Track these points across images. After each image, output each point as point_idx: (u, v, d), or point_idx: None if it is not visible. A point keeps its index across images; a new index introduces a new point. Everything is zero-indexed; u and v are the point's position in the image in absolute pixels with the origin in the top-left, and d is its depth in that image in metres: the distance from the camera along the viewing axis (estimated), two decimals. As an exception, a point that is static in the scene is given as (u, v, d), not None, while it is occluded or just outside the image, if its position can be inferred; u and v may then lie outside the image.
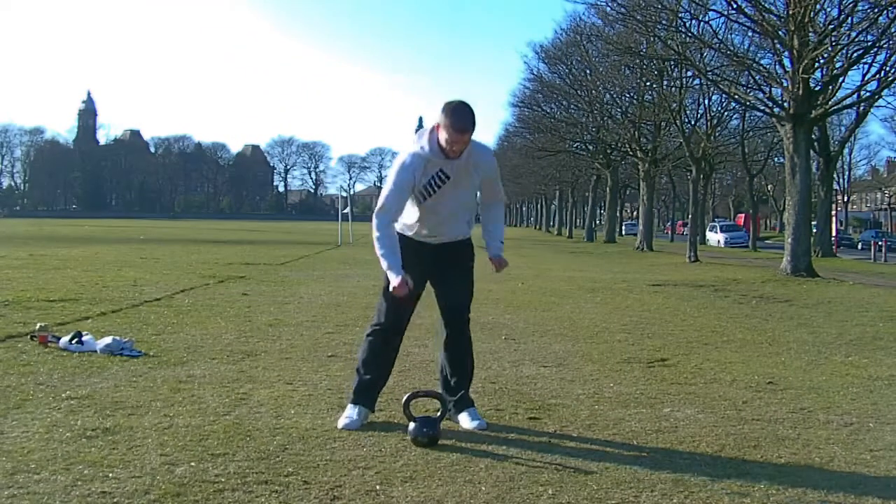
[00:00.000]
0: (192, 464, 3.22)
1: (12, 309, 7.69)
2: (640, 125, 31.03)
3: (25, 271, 12.42)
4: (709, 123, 27.05)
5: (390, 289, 3.77)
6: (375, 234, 3.81)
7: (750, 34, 21.13)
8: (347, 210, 32.07)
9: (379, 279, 4.06)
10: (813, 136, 22.25)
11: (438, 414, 3.73)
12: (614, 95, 32.64)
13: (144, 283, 10.83)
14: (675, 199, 55.46)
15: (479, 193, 4.15)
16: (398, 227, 3.96)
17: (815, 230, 25.90)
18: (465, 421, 3.94)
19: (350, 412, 3.92)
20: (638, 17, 18.90)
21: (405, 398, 3.77)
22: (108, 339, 5.62)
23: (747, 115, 30.80)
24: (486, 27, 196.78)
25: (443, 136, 3.72)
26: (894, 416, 4.39)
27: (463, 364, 4.10)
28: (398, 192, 3.80)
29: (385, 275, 3.93)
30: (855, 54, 17.29)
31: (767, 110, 18.33)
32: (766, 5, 16.74)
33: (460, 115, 3.69)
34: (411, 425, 3.63)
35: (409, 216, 3.94)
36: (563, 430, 3.93)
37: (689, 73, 23.30)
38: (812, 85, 16.53)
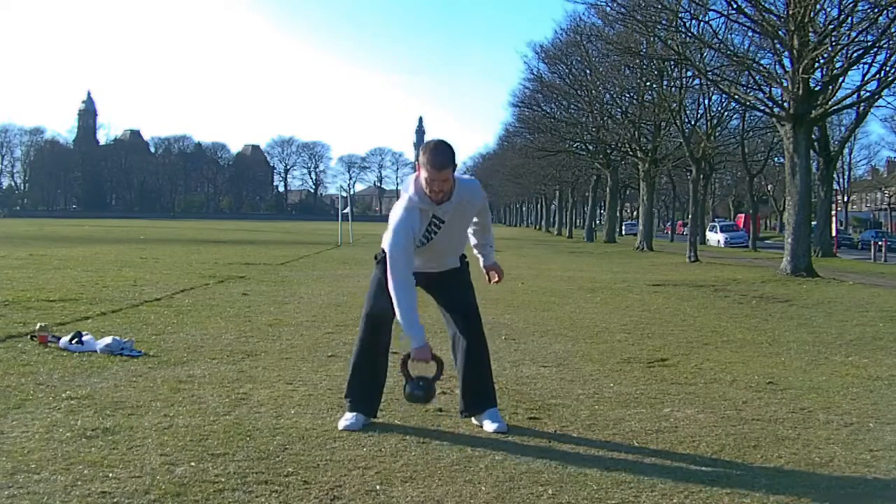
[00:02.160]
0: (192, 464, 3.22)
1: (12, 309, 7.69)
2: (640, 125, 31.02)
3: (25, 271, 12.42)
4: (709, 123, 27.04)
5: (411, 357, 3.73)
6: (392, 285, 3.71)
7: (750, 34, 21.11)
8: (347, 210, 32.06)
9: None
10: (813, 136, 22.26)
11: (433, 375, 3.77)
12: (614, 95, 32.62)
13: (144, 283, 10.83)
14: (675, 199, 55.47)
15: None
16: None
17: (814, 230, 25.90)
18: (486, 422, 3.91)
19: (349, 415, 3.91)
20: (638, 17, 18.89)
21: (402, 358, 3.79)
22: (108, 339, 5.62)
23: (747, 115, 30.78)
24: (485, 27, 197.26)
25: (423, 174, 3.71)
26: (894, 416, 4.39)
27: (482, 366, 4.03)
28: (404, 240, 3.73)
29: (372, 282, 3.97)
30: (855, 54, 17.28)
31: (767, 110, 18.32)
32: (766, 5, 16.73)
33: (437, 152, 3.69)
34: (408, 385, 3.65)
35: None
36: (563, 430, 3.93)
37: (689, 73, 23.28)
38: (812, 85, 16.52)
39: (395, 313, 3.76)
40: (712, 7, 18.68)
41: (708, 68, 20.18)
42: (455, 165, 3.76)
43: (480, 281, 4.23)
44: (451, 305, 4.07)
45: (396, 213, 3.80)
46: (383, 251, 3.93)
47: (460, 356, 4.03)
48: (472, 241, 4.31)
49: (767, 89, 17.93)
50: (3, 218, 79.30)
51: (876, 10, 15.43)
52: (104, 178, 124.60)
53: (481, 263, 4.31)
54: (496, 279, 4.25)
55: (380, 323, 3.98)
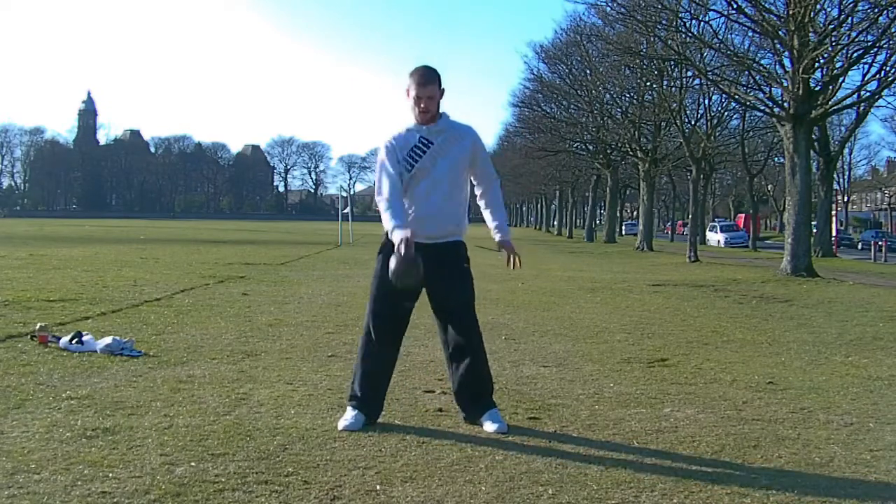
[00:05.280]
0: (192, 464, 3.22)
1: (12, 309, 7.69)
2: (640, 125, 31.03)
3: (25, 271, 12.42)
4: (709, 123, 27.06)
5: (395, 242, 3.65)
6: (384, 207, 3.79)
7: (750, 34, 21.15)
8: (347, 210, 32.07)
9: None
10: (813, 136, 22.25)
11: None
12: (614, 95, 32.66)
13: (144, 283, 10.82)
14: (675, 199, 55.53)
15: (472, 179, 4.04)
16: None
17: (815, 230, 25.90)
18: (486, 423, 3.87)
19: (349, 414, 3.89)
20: (638, 17, 18.90)
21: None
22: (108, 339, 5.62)
23: (747, 115, 30.82)
24: (486, 27, 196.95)
25: (411, 95, 3.81)
26: (894, 416, 4.39)
27: (479, 368, 3.95)
28: (386, 166, 3.84)
29: (374, 279, 3.93)
30: (855, 54, 17.29)
31: (767, 110, 18.33)
32: (766, 5, 16.74)
33: (422, 70, 3.84)
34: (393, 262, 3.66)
35: None
36: (563, 430, 3.93)
37: (689, 73, 23.30)
38: (812, 85, 16.53)
39: (397, 319, 3.91)
40: (712, 7, 18.70)
41: (708, 68, 20.19)
42: (441, 89, 3.84)
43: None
44: (445, 304, 3.95)
45: (383, 138, 3.95)
46: (385, 235, 3.88)
47: (455, 359, 3.95)
48: (482, 205, 4.09)
49: (767, 89, 17.94)
50: (3, 218, 79.28)
51: (876, 10, 15.44)
52: (104, 178, 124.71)
53: (496, 238, 3.99)
54: (513, 264, 3.94)
55: (387, 330, 3.93)
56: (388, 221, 3.75)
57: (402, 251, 3.60)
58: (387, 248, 3.89)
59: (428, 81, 3.79)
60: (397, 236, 3.65)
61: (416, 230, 3.76)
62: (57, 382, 4.63)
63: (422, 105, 3.80)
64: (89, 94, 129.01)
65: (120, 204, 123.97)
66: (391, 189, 3.81)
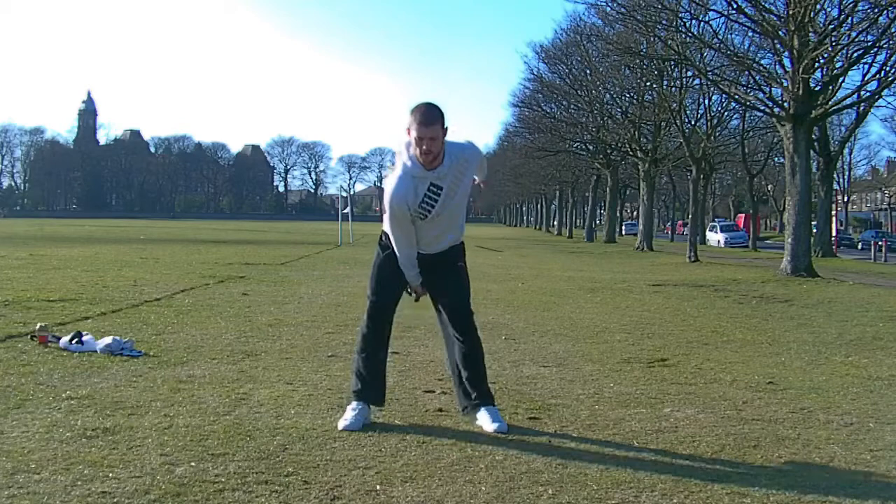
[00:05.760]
0: (192, 464, 3.22)
1: (12, 309, 7.69)
2: (640, 125, 31.00)
3: (25, 271, 12.41)
4: (709, 123, 27.05)
5: (411, 290, 4.00)
6: (398, 255, 3.91)
7: (750, 34, 21.13)
8: (347, 210, 32.05)
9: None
10: (813, 136, 22.24)
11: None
12: (614, 95, 32.64)
13: (144, 283, 10.82)
14: (675, 199, 55.52)
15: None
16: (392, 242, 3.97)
17: (815, 230, 25.89)
18: (486, 422, 3.87)
19: (349, 414, 3.90)
20: (638, 17, 18.88)
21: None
22: (108, 339, 5.62)
23: (747, 115, 30.79)
24: (486, 28, 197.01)
25: (413, 136, 3.65)
26: (894, 416, 4.39)
27: (476, 363, 4.02)
28: (401, 225, 3.82)
29: (376, 253, 4.08)
30: (855, 54, 17.28)
31: (767, 110, 18.32)
32: (766, 5, 16.72)
33: (425, 110, 3.66)
34: None
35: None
36: (563, 430, 3.93)
37: (689, 73, 23.29)
38: (812, 85, 16.51)
39: (393, 290, 4.04)
40: (712, 7, 18.68)
41: (708, 68, 20.19)
42: (445, 127, 3.69)
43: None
44: (445, 303, 4.03)
45: (390, 184, 3.79)
46: (386, 234, 3.97)
47: (456, 355, 4.01)
48: None
49: (767, 89, 17.92)
50: (3, 218, 79.25)
51: (876, 10, 15.43)
52: (104, 178, 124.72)
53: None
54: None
55: (383, 313, 4.00)
56: (404, 271, 3.94)
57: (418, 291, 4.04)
58: (384, 241, 4.03)
59: (430, 121, 3.61)
60: (413, 284, 3.99)
61: (423, 250, 3.91)
62: (57, 382, 4.63)
63: (423, 147, 3.63)
64: (89, 94, 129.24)
65: (120, 204, 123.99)
66: (408, 253, 3.91)
